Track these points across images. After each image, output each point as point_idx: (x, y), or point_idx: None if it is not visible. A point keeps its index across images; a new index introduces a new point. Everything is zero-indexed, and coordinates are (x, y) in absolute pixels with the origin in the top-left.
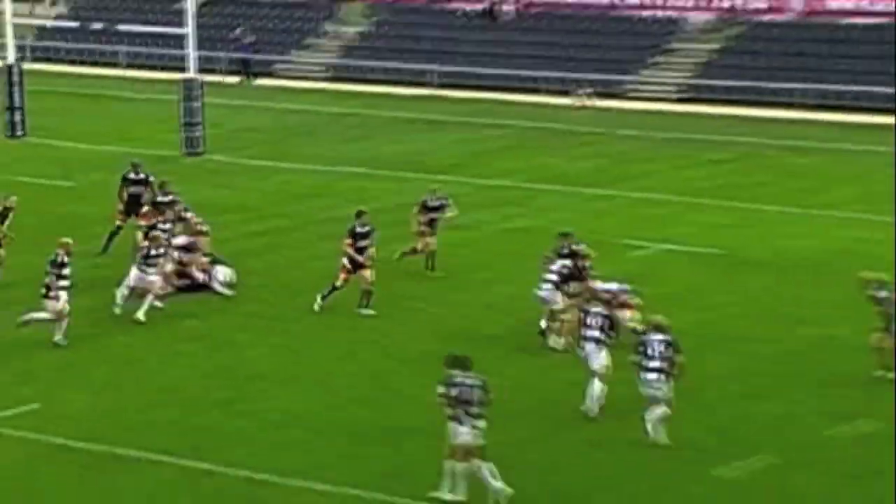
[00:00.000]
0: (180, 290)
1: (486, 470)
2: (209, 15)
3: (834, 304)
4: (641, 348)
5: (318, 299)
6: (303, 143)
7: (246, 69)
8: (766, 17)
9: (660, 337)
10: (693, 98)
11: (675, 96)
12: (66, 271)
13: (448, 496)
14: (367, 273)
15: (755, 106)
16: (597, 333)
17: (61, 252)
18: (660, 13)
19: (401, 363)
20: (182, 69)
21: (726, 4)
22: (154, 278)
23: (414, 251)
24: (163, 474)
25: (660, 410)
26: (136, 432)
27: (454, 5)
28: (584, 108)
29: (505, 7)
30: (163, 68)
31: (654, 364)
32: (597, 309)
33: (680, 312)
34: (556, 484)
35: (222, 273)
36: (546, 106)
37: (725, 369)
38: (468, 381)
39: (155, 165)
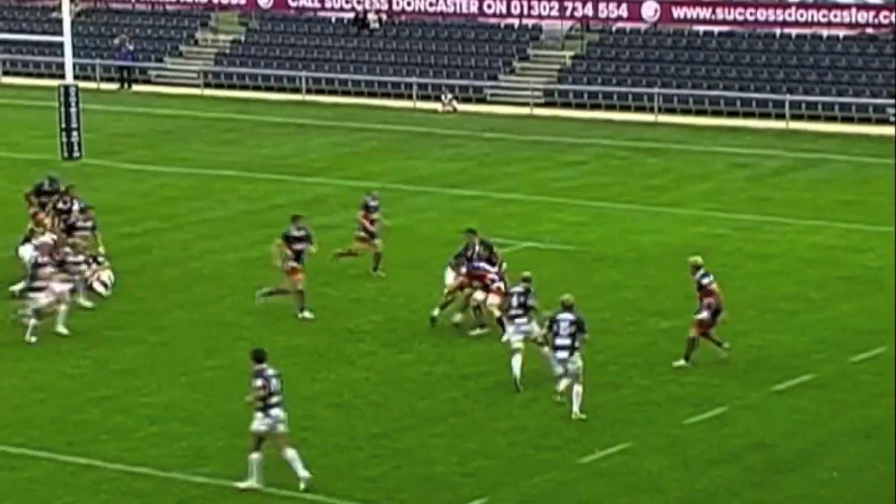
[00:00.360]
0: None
1: (292, 453)
2: (85, 23)
3: (684, 296)
4: (554, 327)
5: (304, 313)
6: (178, 147)
7: (127, 76)
8: (622, 25)
9: (569, 316)
10: (552, 102)
11: (535, 101)
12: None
13: (256, 484)
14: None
15: (610, 110)
16: (522, 311)
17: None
18: (522, 21)
19: (272, 357)
20: (59, 76)
21: (584, 13)
22: (65, 287)
23: (350, 253)
24: (41, 469)
25: (577, 388)
26: (14, 429)
27: (324, 14)
28: (451, 112)
29: (372, 15)
30: (40, 75)
31: (564, 342)
32: (518, 288)
33: (542, 307)
34: (423, 473)
35: (104, 275)
36: (412, 110)
37: (584, 360)
38: (270, 372)
39: (32, 170)
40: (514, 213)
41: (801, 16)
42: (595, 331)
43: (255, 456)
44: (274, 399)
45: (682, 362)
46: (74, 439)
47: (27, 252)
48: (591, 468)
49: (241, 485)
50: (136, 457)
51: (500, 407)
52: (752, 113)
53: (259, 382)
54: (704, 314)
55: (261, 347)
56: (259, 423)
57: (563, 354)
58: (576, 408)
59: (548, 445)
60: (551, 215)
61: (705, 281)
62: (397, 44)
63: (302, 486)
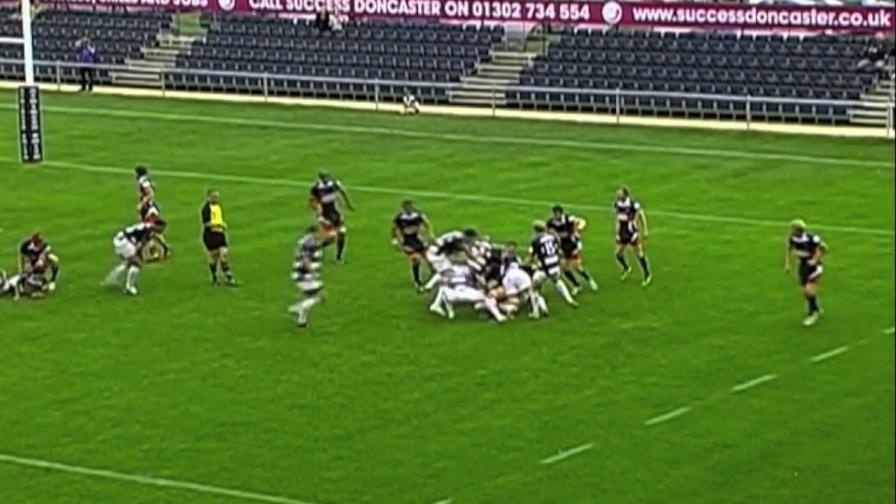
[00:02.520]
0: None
1: None
2: (45, 25)
3: (645, 297)
4: (541, 249)
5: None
6: (139, 149)
7: (88, 78)
8: (583, 27)
9: (549, 237)
10: (514, 104)
11: (496, 102)
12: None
13: None
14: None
15: (572, 111)
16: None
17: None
18: (483, 23)
19: (235, 359)
20: (20, 78)
21: (545, 15)
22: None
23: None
24: (2, 472)
25: (564, 289)
26: None
27: (286, 16)
28: (413, 113)
29: (334, 17)
30: (1, 77)
31: (552, 260)
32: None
33: None
34: (386, 474)
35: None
36: (375, 112)
37: (543, 361)
38: None
39: None
40: (476, 215)
41: (762, 17)
42: (557, 332)
43: None
44: None
45: (813, 318)
46: (35, 442)
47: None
48: (554, 469)
49: None
50: (97, 459)
51: (463, 408)
52: (713, 114)
53: None
54: (820, 269)
55: None
56: None
57: (554, 270)
58: (569, 297)
59: (511, 446)
60: (513, 217)
61: (817, 238)
62: (359, 45)
63: None
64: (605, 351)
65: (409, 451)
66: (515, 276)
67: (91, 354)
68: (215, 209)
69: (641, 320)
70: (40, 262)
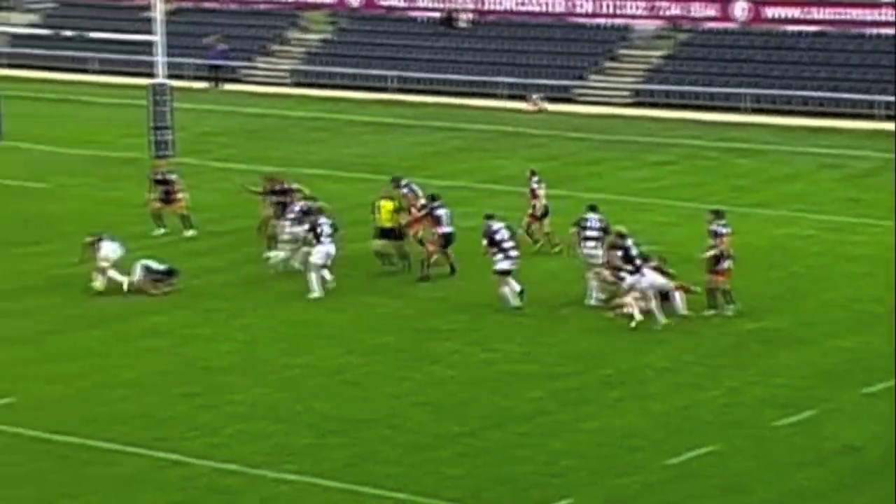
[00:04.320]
0: None
1: None
2: (177, 23)
3: (771, 297)
4: (582, 223)
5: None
6: (267, 146)
7: (217, 75)
8: (712, 25)
9: (596, 215)
10: (640, 102)
11: (623, 101)
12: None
13: None
14: None
15: (699, 110)
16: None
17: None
18: (611, 21)
19: (359, 356)
20: (151, 75)
21: (674, 13)
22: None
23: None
24: (131, 465)
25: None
26: (104, 424)
27: (413, 14)
28: (537, 112)
29: (462, 15)
30: (132, 74)
31: (592, 234)
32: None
33: None
34: (508, 472)
35: None
36: (500, 110)
37: (668, 360)
38: None
39: (122, 168)
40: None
41: (893, 16)
42: (680, 331)
43: None
44: None
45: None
46: (162, 435)
47: None
48: (678, 469)
49: None
50: (224, 453)
51: (586, 407)
52: (842, 113)
53: None
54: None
55: None
56: None
57: (591, 244)
58: (598, 292)
59: (634, 446)
60: (637, 216)
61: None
62: (485, 43)
63: None
64: (730, 351)
65: (531, 449)
66: (650, 280)
67: (217, 350)
68: (384, 203)
69: (767, 321)
70: (295, 212)
